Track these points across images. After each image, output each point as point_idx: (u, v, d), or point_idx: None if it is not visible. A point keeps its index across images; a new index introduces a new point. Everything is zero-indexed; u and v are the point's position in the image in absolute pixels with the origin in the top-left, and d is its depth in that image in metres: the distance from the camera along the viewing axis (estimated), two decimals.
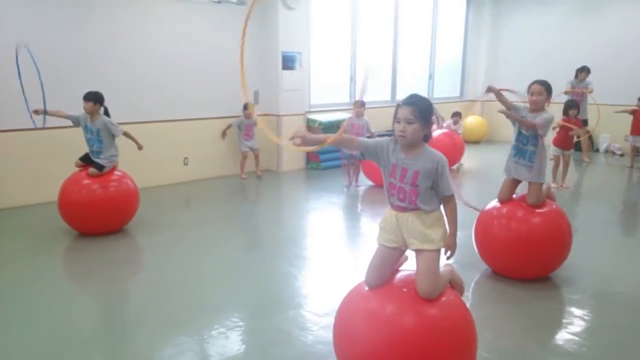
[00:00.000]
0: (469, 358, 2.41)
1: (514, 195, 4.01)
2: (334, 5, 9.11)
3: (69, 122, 5.12)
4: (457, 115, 9.41)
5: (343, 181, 7.41)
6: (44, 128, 5.05)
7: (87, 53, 6.42)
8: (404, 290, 2.37)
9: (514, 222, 3.87)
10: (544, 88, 3.86)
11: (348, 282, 3.74)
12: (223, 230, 5.40)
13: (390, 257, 2.45)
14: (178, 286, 3.95)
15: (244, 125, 7.62)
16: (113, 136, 5.03)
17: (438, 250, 2.39)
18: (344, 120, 8.33)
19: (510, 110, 3.96)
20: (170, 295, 3.80)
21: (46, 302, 3.69)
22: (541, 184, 3.86)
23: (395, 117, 2.37)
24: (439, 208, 2.44)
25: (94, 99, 4.94)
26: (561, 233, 3.87)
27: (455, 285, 2.55)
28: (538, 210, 3.84)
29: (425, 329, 2.27)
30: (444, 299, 2.36)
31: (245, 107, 7.57)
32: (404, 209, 2.39)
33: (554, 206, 3.97)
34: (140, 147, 5.29)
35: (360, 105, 7.03)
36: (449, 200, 2.43)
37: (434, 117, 6.62)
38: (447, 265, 2.61)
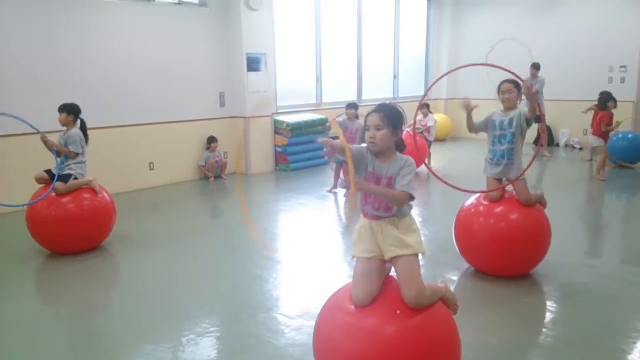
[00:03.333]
0: None
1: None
2: (298, 7, 9.11)
3: (55, 128, 4.87)
4: (425, 108, 8.33)
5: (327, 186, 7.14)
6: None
7: (48, 57, 6.27)
8: (397, 312, 2.21)
9: (494, 220, 3.85)
10: (514, 86, 3.90)
11: (319, 284, 3.75)
12: (192, 236, 5.31)
13: (373, 270, 2.33)
14: (148, 295, 3.87)
15: (209, 158, 7.91)
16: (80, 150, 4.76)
17: (416, 256, 2.33)
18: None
19: (474, 129, 4.01)
20: (140, 305, 3.72)
21: (14, 317, 3.59)
22: (524, 181, 3.88)
23: (365, 125, 2.38)
24: (410, 214, 2.42)
25: (68, 110, 4.70)
26: (541, 229, 3.87)
27: (449, 303, 2.46)
28: (518, 208, 3.83)
29: (409, 341, 2.18)
30: (427, 310, 2.26)
31: (210, 140, 7.88)
32: (378, 218, 2.36)
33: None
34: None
35: (352, 109, 6.69)
36: (402, 193, 2.30)
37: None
38: (442, 282, 2.55)
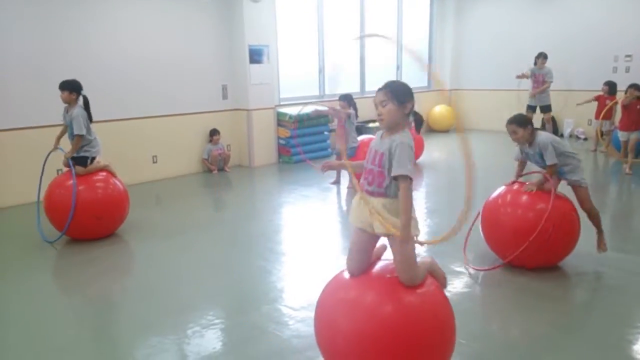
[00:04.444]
0: (449, 345, 2.41)
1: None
2: None
3: (56, 122, 4.89)
4: None
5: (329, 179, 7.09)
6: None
7: (51, 51, 6.26)
8: (387, 276, 2.37)
9: (521, 210, 3.77)
10: (516, 125, 3.84)
11: (323, 275, 3.74)
12: (196, 228, 5.32)
13: (364, 241, 2.42)
14: (153, 287, 3.89)
15: (211, 150, 7.92)
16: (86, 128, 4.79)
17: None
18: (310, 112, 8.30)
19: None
20: (145, 296, 3.74)
21: (24, 306, 3.62)
22: (585, 187, 3.89)
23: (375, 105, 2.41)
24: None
25: (69, 87, 4.70)
26: (572, 222, 3.80)
27: (437, 277, 2.51)
28: (545, 199, 3.70)
29: (405, 319, 2.25)
30: (423, 289, 2.34)
31: (213, 133, 7.87)
32: (371, 193, 2.38)
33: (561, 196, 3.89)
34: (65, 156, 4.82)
35: (343, 100, 6.69)
36: (401, 183, 2.25)
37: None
38: (427, 257, 2.59)
